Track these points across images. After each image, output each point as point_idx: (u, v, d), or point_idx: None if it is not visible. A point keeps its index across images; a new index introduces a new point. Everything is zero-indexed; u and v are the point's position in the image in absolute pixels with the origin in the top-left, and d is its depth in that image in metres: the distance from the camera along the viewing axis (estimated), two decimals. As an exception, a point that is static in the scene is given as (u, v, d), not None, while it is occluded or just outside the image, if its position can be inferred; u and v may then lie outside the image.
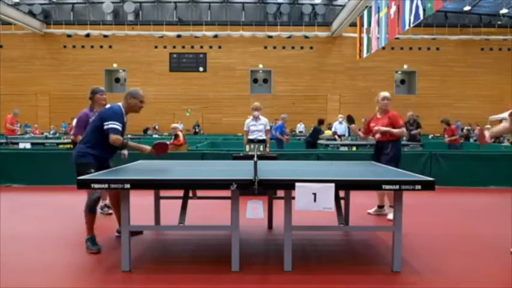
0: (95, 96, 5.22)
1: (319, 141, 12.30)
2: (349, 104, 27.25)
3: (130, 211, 3.50)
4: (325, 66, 27.87)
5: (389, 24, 13.94)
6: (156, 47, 27.58)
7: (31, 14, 27.04)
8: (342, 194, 4.54)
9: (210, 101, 27.78)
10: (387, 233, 4.11)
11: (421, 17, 11.61)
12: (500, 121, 25.86)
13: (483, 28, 27.57)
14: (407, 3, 12.18)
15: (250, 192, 3.29)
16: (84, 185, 3.34)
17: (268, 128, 8.13)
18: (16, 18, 24.54)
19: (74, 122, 5.84)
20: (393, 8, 13.39)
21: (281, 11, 28.62)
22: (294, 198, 3.30)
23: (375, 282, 3.30)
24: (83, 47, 27.48)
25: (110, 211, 5.39)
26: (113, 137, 4.03)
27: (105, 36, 26.87)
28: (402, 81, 29.63)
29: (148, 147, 4.23)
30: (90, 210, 4.04)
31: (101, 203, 5.29)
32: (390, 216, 5.09)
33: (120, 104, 4.21)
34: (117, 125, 4.05)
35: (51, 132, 20.59)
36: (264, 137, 7.93)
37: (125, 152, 5.45)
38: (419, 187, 3.29)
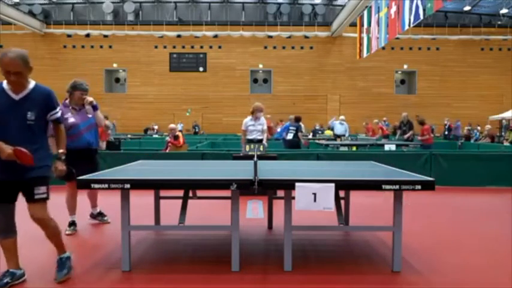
0: (74, 92, 4.86)
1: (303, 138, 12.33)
2: (349, 104, 27.29)
3: (131, 211, 3.50)
4: (325, 66, 27.86)
5: (390, 24, 13.96)
6: (156, 47, 27.58)
7: (31, 14, 27.05)
8: (342, 194, 4.54)
9: (210, 101, 27.77)
10: (387, 233, 4.11)
11: (421, 17, 11.63)
12: (501, 121, 25.82)
13: (483, 28, 27.57)
14: (407, 3, 12.19)
15: (250, 192, 3.29)
16: (84, 185, 3.32)
17: (265, 128, 8.11)
18: (16, 18, 24.55)
19: None
20: (393, 8, 13.40)
21: (281, 11, 28.62)
22: (294, 198, 3.30)
23: (375, 282, 3.30)
24: (83, 47, 27.48)
25: (106, 218, 5.22)
26: None
27: (105, 36, 26.89)
28: (402, 81, 29.63)
29: (7, 151, 2.97)
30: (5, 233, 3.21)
31: (92, 211, 5.20)
32: None
33: None
34: None
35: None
36: (262, 137, 7.91)
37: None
38: (419, 187, 3.29)
